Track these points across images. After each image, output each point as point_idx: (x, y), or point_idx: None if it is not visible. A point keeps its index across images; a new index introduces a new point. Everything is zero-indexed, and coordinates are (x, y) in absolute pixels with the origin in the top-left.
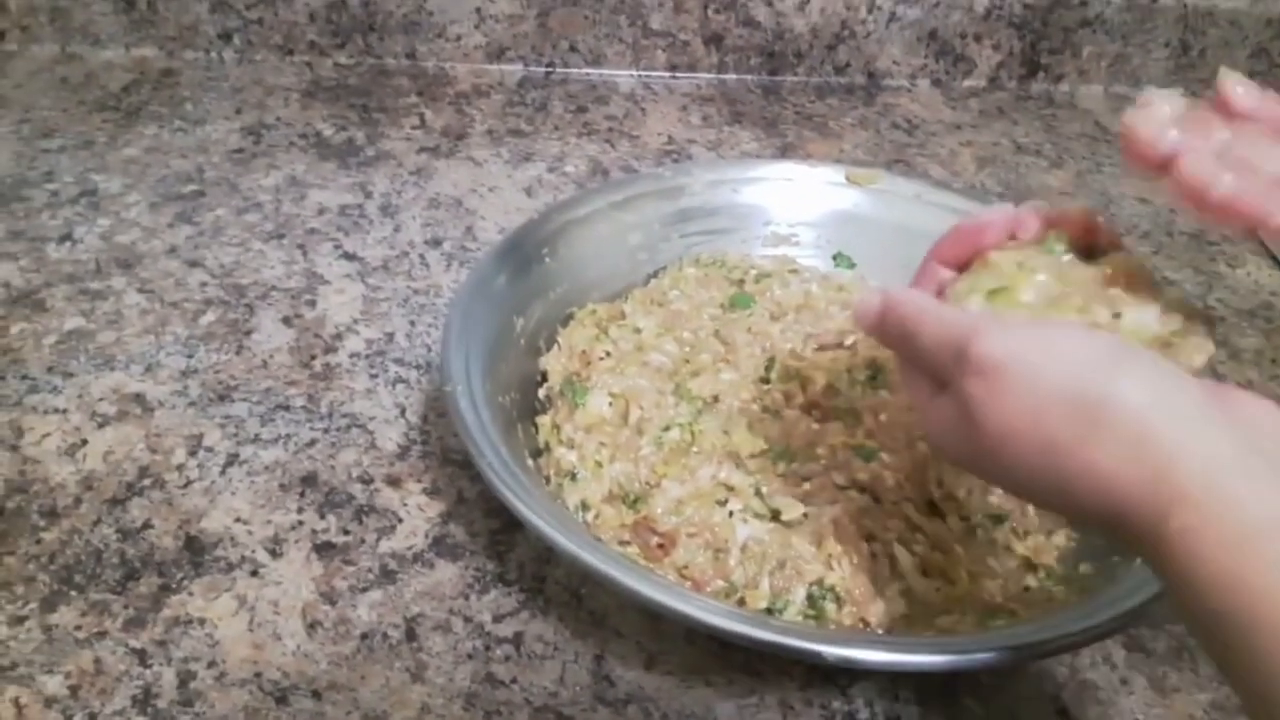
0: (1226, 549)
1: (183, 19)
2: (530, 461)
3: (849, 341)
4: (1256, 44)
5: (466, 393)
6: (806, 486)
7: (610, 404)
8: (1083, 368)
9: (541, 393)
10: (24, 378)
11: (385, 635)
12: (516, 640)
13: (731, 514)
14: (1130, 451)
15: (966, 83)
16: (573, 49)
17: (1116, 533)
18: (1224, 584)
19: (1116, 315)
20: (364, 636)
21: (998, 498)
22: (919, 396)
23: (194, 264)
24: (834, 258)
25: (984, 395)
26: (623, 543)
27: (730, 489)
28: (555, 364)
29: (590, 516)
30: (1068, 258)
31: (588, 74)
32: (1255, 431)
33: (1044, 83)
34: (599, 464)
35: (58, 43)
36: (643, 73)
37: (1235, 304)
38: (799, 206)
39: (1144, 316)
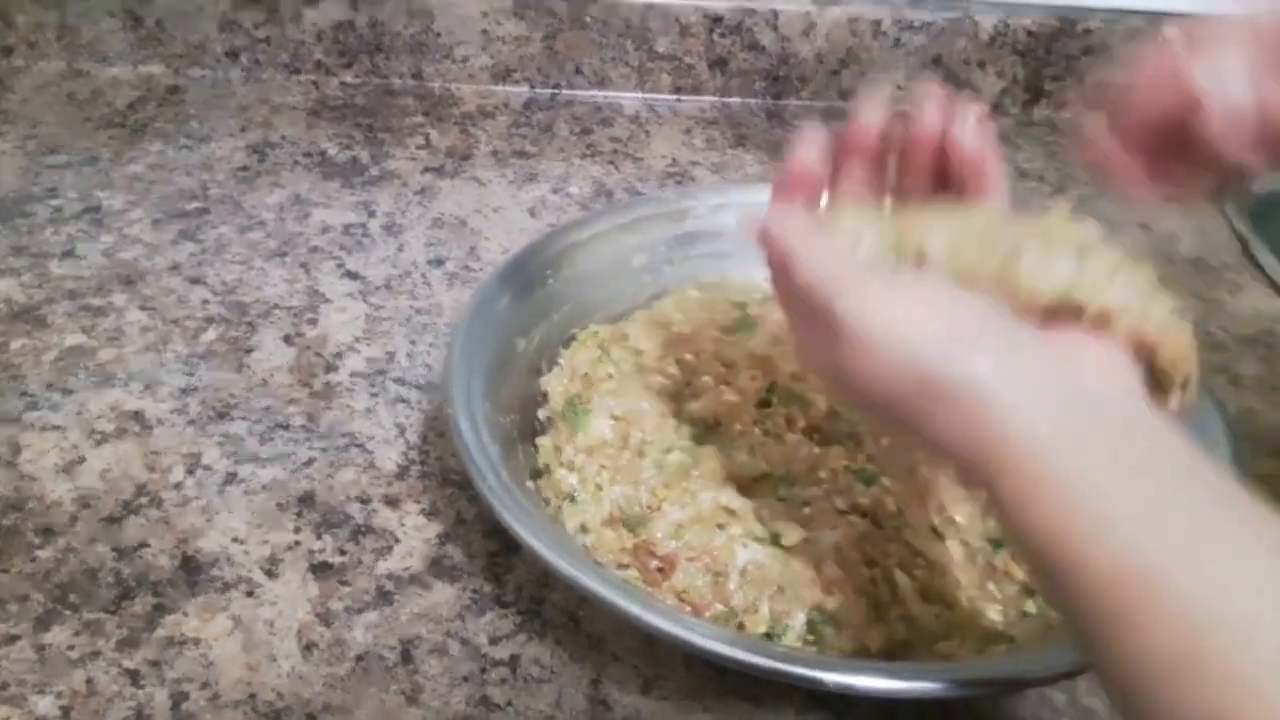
0: (1051, 510)
1: (190, 37)
2: (530, 483)
3: None
4: None
5: (468, 414)
6: (807, 511)
7: (612, 426)
8: (930, 343)
9: (542, 414)
10: (23, 394)
11: (381, 657)
12: (513, 663)
13: (732, 538)
14: (965, 428)
15: None
16: (578, 71)
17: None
18: (1050, 540)
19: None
20: (359, 658)
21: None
22: (791, 316)
23: (196, 281)
24: None
25: (846, 351)
26: (622, 566)
27: (731, 513)
28: (557, 385)
29: (589, 540)
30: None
31: (593, 96)
32: (1093, 380)
33: (1047, 109)
34: (599, 487)
35: (64, 59)
36: (647, 95)
37: (1236, 331)
38: None
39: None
